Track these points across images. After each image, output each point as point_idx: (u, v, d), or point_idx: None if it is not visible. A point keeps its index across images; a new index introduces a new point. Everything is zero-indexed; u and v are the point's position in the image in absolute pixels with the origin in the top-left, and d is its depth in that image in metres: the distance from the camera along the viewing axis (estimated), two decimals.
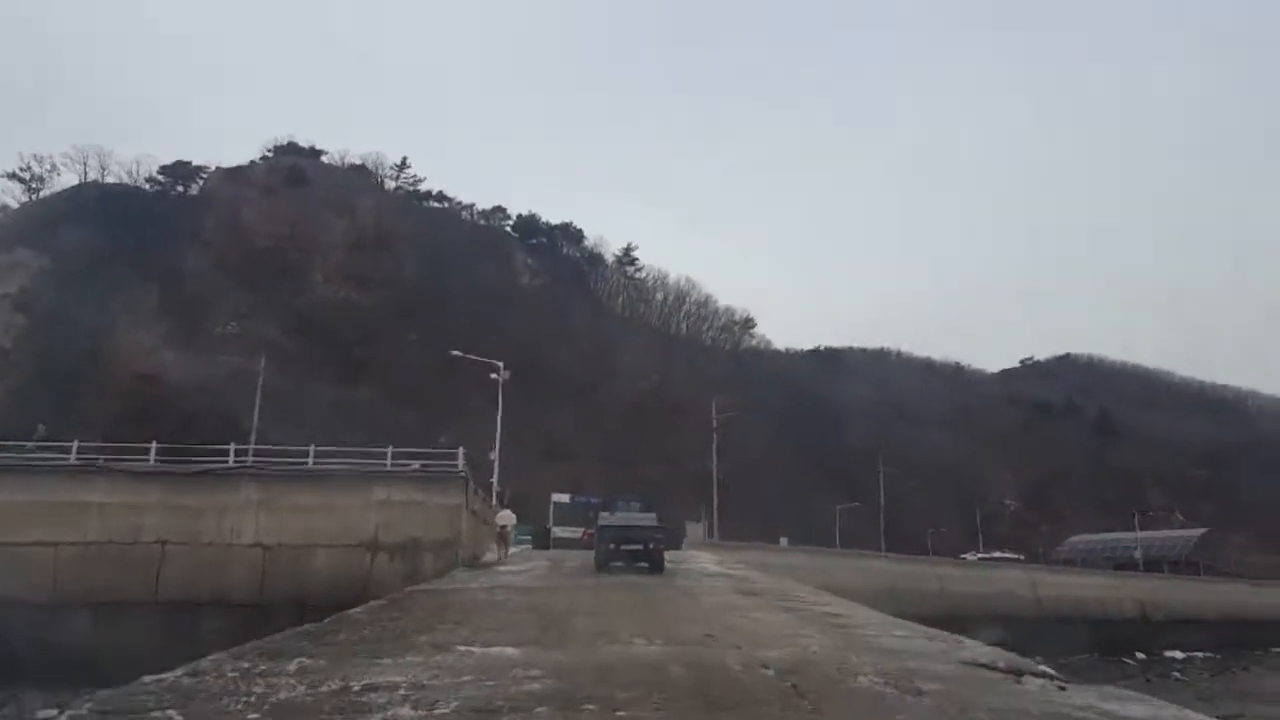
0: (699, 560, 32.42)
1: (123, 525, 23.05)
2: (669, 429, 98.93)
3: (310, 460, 25.93)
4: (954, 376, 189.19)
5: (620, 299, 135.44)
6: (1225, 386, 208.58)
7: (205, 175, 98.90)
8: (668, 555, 26.50)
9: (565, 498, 70.09)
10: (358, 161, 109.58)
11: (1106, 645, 53.58)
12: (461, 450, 27.01)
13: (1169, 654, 52.66)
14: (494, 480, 39.56)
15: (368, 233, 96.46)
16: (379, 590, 20.42)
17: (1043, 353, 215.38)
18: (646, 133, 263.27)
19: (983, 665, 9.56)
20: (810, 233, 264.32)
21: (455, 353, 44.66)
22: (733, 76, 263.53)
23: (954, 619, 52.40)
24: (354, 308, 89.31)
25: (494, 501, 38.63)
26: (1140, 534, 73.38)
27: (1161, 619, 57.06)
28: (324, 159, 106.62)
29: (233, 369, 77.40)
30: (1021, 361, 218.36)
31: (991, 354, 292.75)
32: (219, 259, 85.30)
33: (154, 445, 25.59)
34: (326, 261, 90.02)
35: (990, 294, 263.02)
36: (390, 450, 27.11)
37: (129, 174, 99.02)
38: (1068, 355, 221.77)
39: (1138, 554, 70.46)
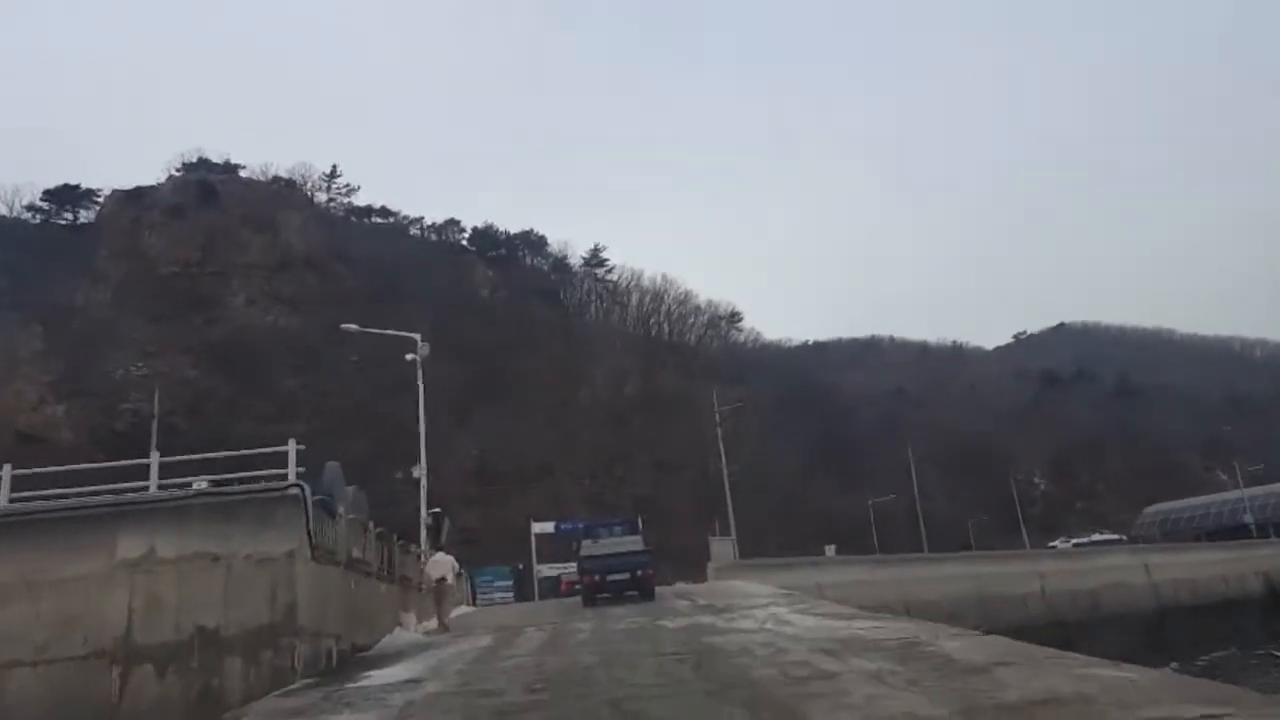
0: (752, 599, 20.47)
1: None
2: (658, 435, 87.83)
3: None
4: (953, 356, 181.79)
5: (593, 304, 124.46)
6: (1231, 338, 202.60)
7: (99, 200, 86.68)
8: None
9: (549, 527, 57.94)
10: (282, 174, 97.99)
11: (1237, 634, 42.36)
12: (294, 446, 15.18)
13: None
14: (422, 507, 27.64)
15: (295, 251, 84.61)
16: None
17: (1034, 326, 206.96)
18: (606, 132, 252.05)
19: None
20: (787, 225, 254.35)
21: (348, 326, 32.88)
22: (698, 68, 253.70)
23: (1059, 625, 41.19)
24: (282, 333, 77.27)
25: (423, 541, 26.74)
26: (1246, 492, 61.93)
27: None
28: (242, 174, 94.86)
29: (140, 418, 65.36)
30: (1015, 336, 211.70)
31: (984, 332, 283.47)
32: (118, 292, 73.26)
33: None
34: (247, 284, 77.99)
35: (976, 271, 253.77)
36: (156, 459, 15.07)
37: (3, 203, 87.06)
38: (1062, 325, 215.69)
39: (1248, 517, 58.92)
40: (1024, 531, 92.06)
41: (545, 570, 52.89)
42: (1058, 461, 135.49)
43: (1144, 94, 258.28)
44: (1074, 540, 65.25)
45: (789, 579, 32.34)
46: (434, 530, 28.04)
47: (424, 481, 28.00)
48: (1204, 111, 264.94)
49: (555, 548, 54.65)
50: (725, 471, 58.25)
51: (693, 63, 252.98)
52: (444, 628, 22.12)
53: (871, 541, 77.22)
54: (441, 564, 24.03)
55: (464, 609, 28.79)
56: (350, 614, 15.74)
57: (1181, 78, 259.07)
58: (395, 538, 20.85)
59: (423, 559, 26.03)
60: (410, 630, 19.30)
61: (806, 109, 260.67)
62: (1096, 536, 65.35)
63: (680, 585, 33.13)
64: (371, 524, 18.40)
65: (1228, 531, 57.22)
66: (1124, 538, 61.37)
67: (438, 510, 31.71)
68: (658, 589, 27.34)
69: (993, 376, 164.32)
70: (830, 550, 49.28)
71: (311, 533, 13.51)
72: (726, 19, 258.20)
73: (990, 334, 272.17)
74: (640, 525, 46.52)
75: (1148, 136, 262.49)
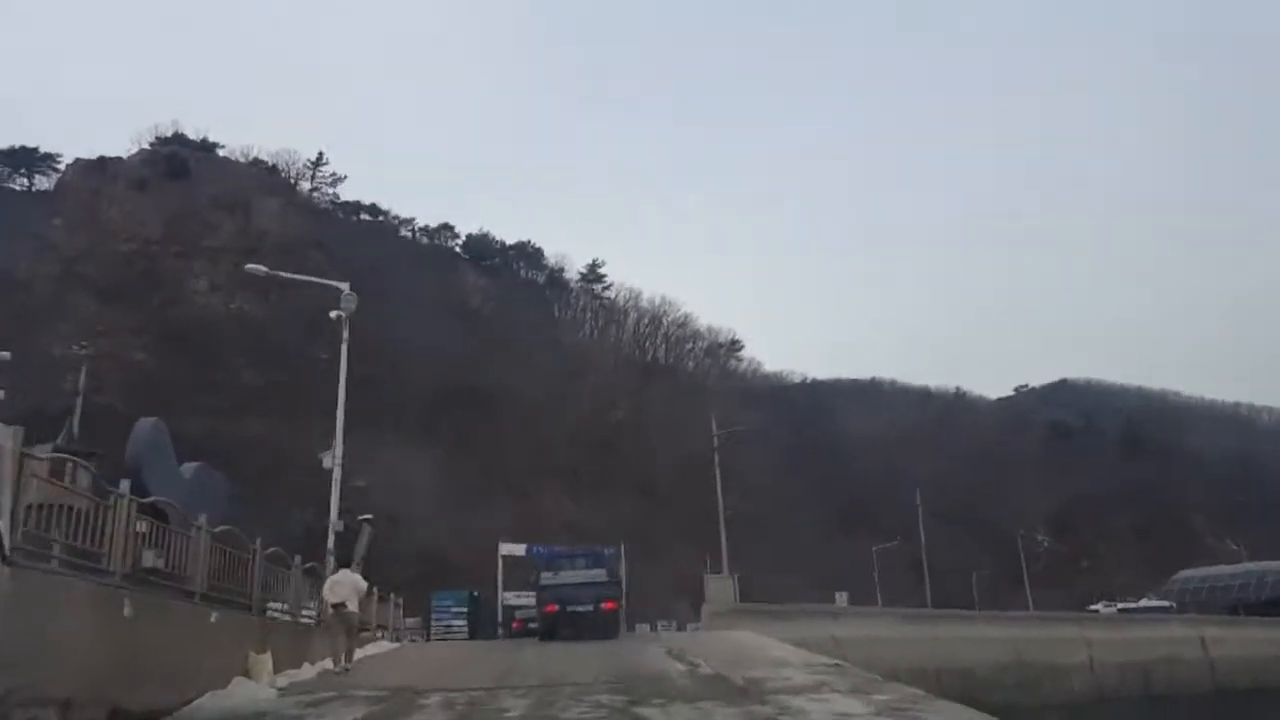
0: (783, 672, 13.96)
1: None
2: (648, 462, 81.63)
3: None
4: (955, 403, 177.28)
5: (587, 321, 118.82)
6: (1237, 404, 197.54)
7: (59, 166, 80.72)
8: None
9: (519, 549, 51.26)
10: (264, 159, 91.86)
11: None
12: None
13: None
14: (332, 509, 21.39)
15: (269, 237, 78.49)
16: None
17: (1036, 379, 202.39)
18: (613, 147, 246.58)
19: None
20: (789, 258, 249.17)
21: (254, 267, 26.91)
22: (707, 91, 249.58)
23: (1104, 700, 34.87)
24: (247, 322, 71.02)
25: (329, 553, 20.50)
26: None
27: None
28: (219, 153, 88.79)
29: (85, 402, 59.08)
30: (1016, 389, 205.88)
31: (984, 382, 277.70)
32: (68, 265, 67.16)
33: None
34: (213, 268, 71.80)
35: (978, 321, 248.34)
36: None
37: None
38: (1064, 380, 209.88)
39: None
40: (1028, 588, 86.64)
41: (511, 598, 46.27)
42: (1061, 517, 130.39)
43: (1154, 155, 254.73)
44: (1120, 604, 58.82)
45: (799, 631, 26.28)
46: (348, 541, 21.94)
47: (337, 473, 21.81)
48: (1216, 172, 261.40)
49: (526, 574, 48.08)
50: (721, 503, 52.18)
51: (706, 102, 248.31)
52: (342, 669, 16.37)
53: (873, 589, 71.17)
54: (342, 585, 17.95)
55: (379, 645, 22.37)
56: (124, 659, 9.52)
57: (1193, 143, 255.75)
58: (259, 546, 14.58)
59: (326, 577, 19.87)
60: (261, 682, 13.01)
61: (810, 146, 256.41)
62: (1145, 602, 58.92)
63: (668, 635, 26.88)
64: (204, 519, 12.22)
65: (1271, 606, 50.91)
66: (1174, 605, 54.87)
67: (367, 517, 25.72)
68: (639, 635, 25.57)
69: (995, 426, 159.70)
70: (842, 598, 43.14)
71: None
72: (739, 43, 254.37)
73: (991, 384, 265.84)
74: (618, 556, 40.22)
75: (1155, 197, 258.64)
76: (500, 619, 44.79)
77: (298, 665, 16.08)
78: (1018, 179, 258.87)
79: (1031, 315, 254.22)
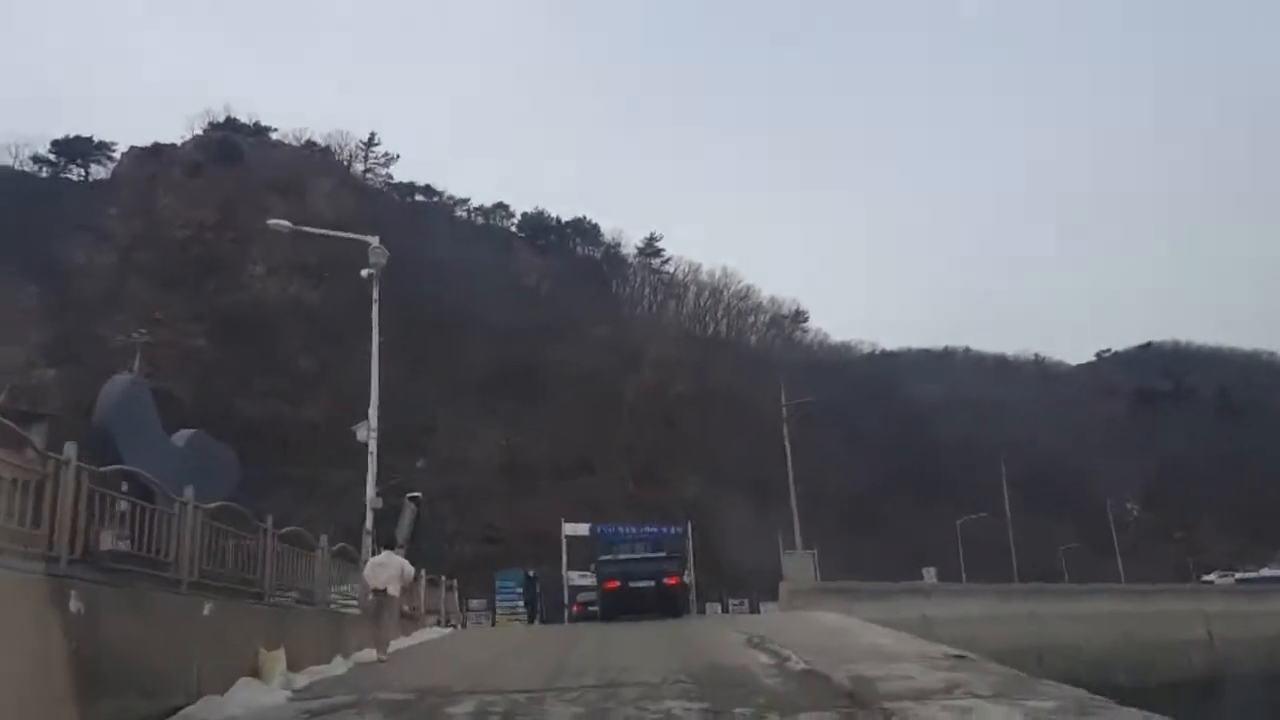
0: (898, 666, 11.52)
1: None
2: (711, 438, 79.19)
3: None
4: (1034, 371, 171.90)
5: (646, 296, 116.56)
6: None
7: (114, 154, 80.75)
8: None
9: (582, 529, 49.31)
10: (317, 140, 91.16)
11: None
12: None
13: None
14: (369, 485, 19.53)
15: (323, 219, 77.39)
16: None
17: (1119, 343, 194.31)
18: (668, 114, 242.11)
19: None
20: (856, 226, 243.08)
21: (275, 222, 25.32)
22: (770, 49, 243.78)
23: (1224, 680, 31.84)
24: (302, 307, 70.21)
25: (367, 533, 18.63)
26: None
27: None
28: (272, 136, 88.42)
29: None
30: (1098, 354, 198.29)
31: (1064, 348, 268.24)
32: (125, 253, 66.95)
33: None
34: (268, 252, 71.09)
35: (1055, 285, 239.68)
36: None
37: (9, 152, 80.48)
38: (1150, 344, 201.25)
39: None
40: (1119, 560, 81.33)
41: (575, 578, 44.47)
42: (1152, 486, 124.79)
43: (1245, 105, 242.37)
44: (1239, 574, 54.87)
45: (887, 611, 23.87)
46: (391, 521, 20.07)
47: (372, 445, 19.97)
48: None
49: (591, 554, 46.18)
50: (791, 475, 49.59)
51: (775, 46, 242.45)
52: (382, 659, 14.94)
53: (956, 565, 67.96)
54: (385, 568, 16.11)
55: (427, 632, 20.48)
56: (76, 666, 7.49)
57: None
58: (270, 526, 12.56)
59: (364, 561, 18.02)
60: (272, 683, 11.03)
61: (874, 110, 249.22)
62: (1266, 571, 54.87)
63: (743, 618, 24.62)
64: (191, 493, 10.19)
65: None
66: None
67: (415, 495, 23.87)
68: (710, 618, 24.41)
69: (1077, 393, 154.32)
70: (930, 574, 40.31)
71: None
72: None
73: (1071, 350, 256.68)
74: (684, 533, 38.43)
75: (1239, 152, 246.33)
76: (566, 600, 43.10)
77: (328, 659, 14.15)
78: (1095, 134, 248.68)
79: (1111, 277, 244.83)
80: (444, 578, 26.40)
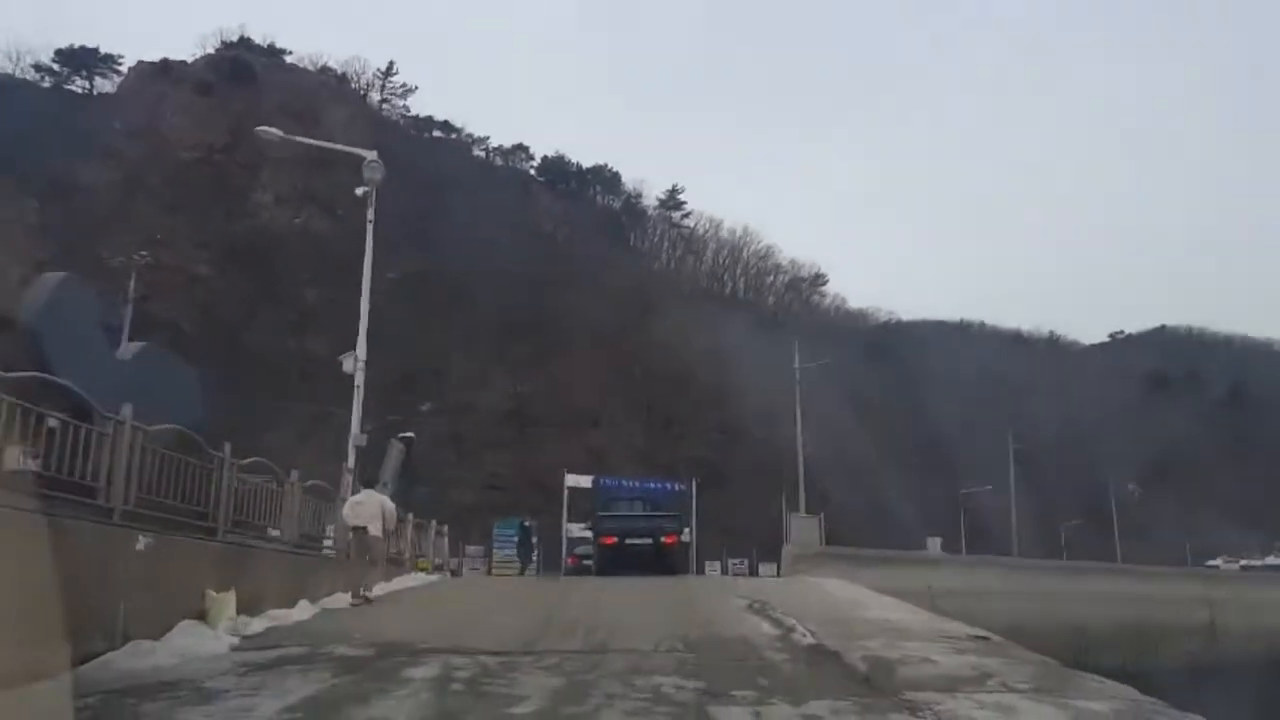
0: (863, 622, 10.50)
1: None
2: (723, 397, 78.04)
3: None
4: (1049, 349, 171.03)
5: (664, 250, 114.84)
6: None
7: (120, 67, 78.47)
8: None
9: (585, 481, 48.08)
10: (333, 66, 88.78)
11: None
12: None
13: None
14: (354, 420, 18.32)
15: (337, 150, 75.84)
16: None
17: (1132, 325, 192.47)
18: (699, 69, 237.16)
19: None
20: (880, 194, 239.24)
21: (264, 129, 23.89)
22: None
23: (1227, 667, 30.88)
24: (312, 238, 68.66)
25: (348, 468, 17.49)
26: None
27: None
28: (287, 59, 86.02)
29: (139, 313, 57.73)
30: (1111, 335, 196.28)
31: (1078, 329, 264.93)
32: (130, 173, 65.32)
33: None
34: (278, 180, 69.45)
35: (1072, 263, 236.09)
36: None
37: (9, 59, 77.92)
38: (1164, 327, 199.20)
39: None
40: (1117, 541, 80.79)
41: (575, 531, 43.53)
42: (1155, 469, 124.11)
43: (1263, 91, 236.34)
44: (1243, 561, 53.80)
45: (890, 579, 22.91)
46: (395, 446, 18.87)
47: (359, 378, 18.73)
48: None
49: (592, 507, 45.10)
50: (800, 438, 48.52)
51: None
52: (364, 600, 14.51)
53: (958, 536, 67.27)
54: (365, 506, 15.11)
55: (409, 578, 19.38)
56: None
57: None
58: (228, 454, 11.26)
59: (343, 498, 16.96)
60: (218, 627, 9.86)
61: (901, 68, 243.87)
62: (1272, 559, 53.83)
63: (745, 582, 23.58)
64: (130, 410, 8.91)
65: None
66: None
67: (407, 435, 22.66)
68: (711, 580, 23.23)
69: (1090, 373, 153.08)
70: (934, 544, 39.18)
71: None
72: None
73: (1084, 330, 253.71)
74: (689, 491, 37.72)
75: (1257, 138, 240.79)
76: (564, 553, 42.16)
77: (291, 603, 12.99)
78: (1115, 112, 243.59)
79: (1129, 260, 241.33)
80: (434, 522, 25.28)
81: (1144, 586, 30.82)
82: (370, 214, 19.71)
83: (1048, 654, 10.47)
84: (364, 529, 15.13)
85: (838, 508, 61.56)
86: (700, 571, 44.03)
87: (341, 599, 14.28)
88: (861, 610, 14.59)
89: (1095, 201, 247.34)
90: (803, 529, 27.72)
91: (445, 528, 27.01)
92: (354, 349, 20.32)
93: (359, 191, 20.15)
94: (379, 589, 16.58)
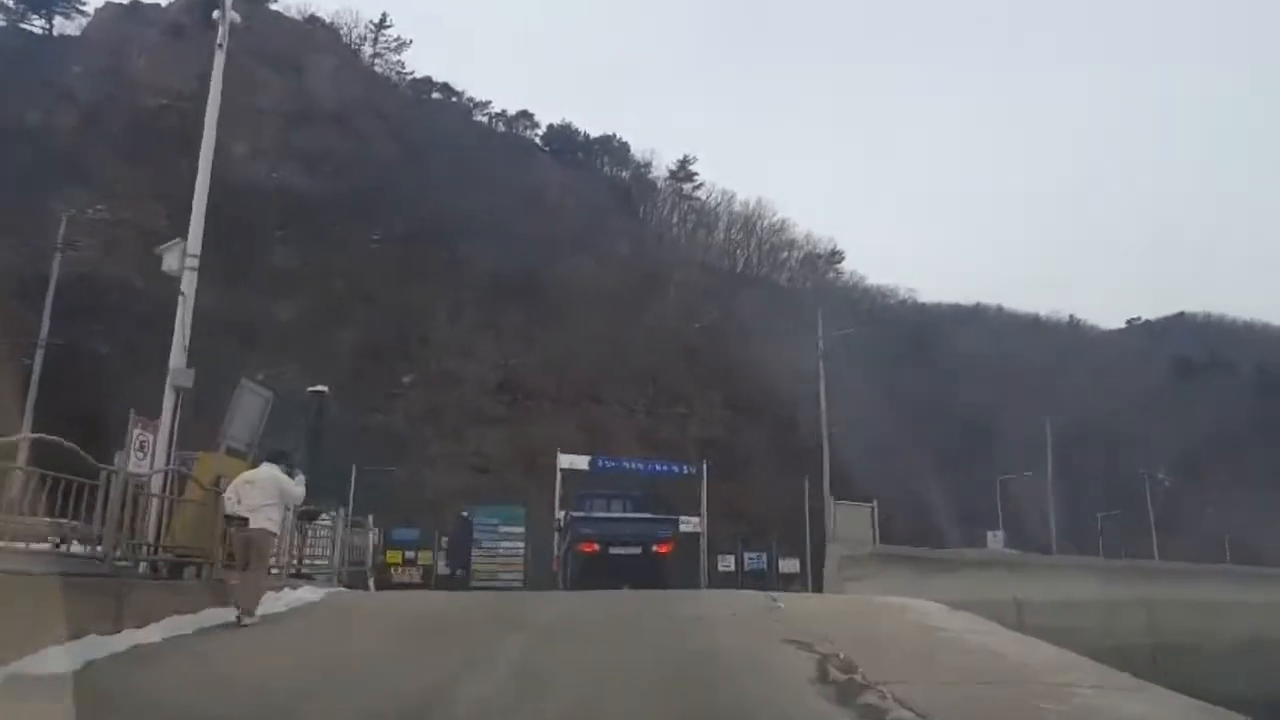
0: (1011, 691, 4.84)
1: None
2: (736, 374, 72.75)
3: None
4: (1069, 334, 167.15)
5: (674, 223, 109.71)
6: None
7: (84, 8, 72.37)
8: None
9: (582, 462, 42.09)
10: (323, 17, 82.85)
11: None
12: None
13: None
14: (175, 345, 12.79)
15: (322, 103, 70.12)
16: None
17: (1151, 312, 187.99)
18: (713, 37, 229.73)
19: None
20: (898, 172, 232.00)
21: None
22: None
23: None
24: (289, 195, 62.97)
25: (166, 422, 11.97)
26: None
27: None
28: (270, 6, 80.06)
29: (91, 270, 52.32)
30: (1128, 322, 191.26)
31: (1095, 313, 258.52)
32: (88, 118, 59.72)
33: None
34: (255, 132, 63.58)
35: (1088, 246, 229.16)
36: None
37: None
38: (1182, 314, 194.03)
39: None
40: (1153, 533, 76.95)
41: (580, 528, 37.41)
42: (1186, 459, 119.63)
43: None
44: None
45: (965, 590, 17.21)
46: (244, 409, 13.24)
47: (190, 281, 13.39)
48: None
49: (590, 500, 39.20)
50: (825, 416, 42.81)
51: None
52: (246, 613, 10.64)
53: (994, 528, 62.17)
54: (257, 488, 10.20)
55: (307, 592, 13.52)
56: None
57: None
58: None
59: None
60: None
61: (923, 40, 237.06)
62: None
63: (785, 603, 15.43)
64: None
65: None
66: None
67: (320, 390, 17.00)
68: (727, 592, 18.20)
69: (1111, 359, 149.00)
70: (995, 538, 33.34)
71: None
72: None
73: (1102, 315, 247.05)
74: (699, 474, 33.32)
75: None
76: (556, 548, 36.16)
77: (34, 648, 7.33)
78: (1135, 97, 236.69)
79: (1147, 244, 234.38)
80: (341, 511, 19.04)
81: (1264, 593, 24.98)
82: (220, 36, 14.09)
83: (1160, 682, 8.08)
84: (245, 520, 10.61)
85: (862, 494, 56.28)
86: (712, 569, 38.42)
87: (129, 637, 8.66)
88: (993, 661, 8.76)
89: (1113, 187, 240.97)
90: (852, 522, 21.79)
91: (370, 519, 20.98)
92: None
93: (215, 15, 14.50)
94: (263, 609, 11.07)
